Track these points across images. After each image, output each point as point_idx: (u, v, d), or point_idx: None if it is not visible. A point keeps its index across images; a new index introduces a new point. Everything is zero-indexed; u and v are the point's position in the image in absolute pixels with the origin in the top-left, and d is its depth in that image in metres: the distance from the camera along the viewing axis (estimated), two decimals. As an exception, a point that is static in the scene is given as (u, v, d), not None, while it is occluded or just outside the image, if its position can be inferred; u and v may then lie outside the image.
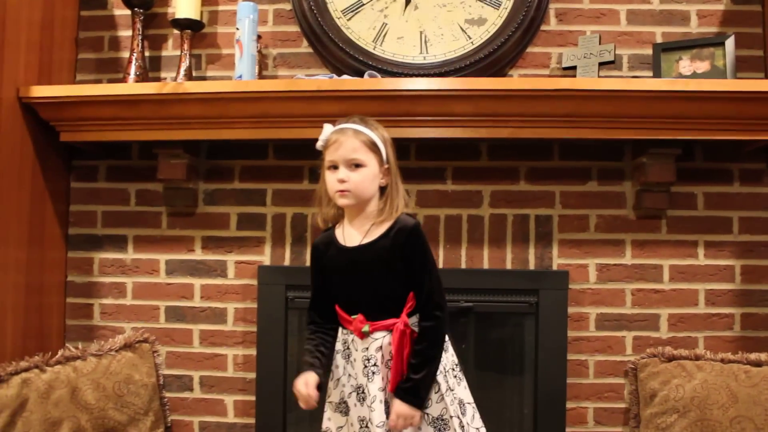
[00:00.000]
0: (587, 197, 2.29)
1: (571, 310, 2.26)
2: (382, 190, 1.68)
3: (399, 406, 1.58)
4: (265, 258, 2.32)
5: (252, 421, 2.29)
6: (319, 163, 1.68)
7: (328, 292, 1.71)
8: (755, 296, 2.26)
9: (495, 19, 2.26)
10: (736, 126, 2.06)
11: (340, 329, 1.71)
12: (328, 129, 1.66)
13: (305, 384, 1.61)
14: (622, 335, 2.27)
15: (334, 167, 1.63)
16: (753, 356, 2.06)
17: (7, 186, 2.06)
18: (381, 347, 1.61)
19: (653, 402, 2.12)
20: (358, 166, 1.61)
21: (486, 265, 2.28)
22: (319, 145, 1.67)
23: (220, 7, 2.39)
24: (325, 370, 1.67)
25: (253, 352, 2.30)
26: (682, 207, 2.28)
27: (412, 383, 1.59)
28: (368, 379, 1.60)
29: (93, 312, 2.37)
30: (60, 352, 2.11)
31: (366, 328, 1.62)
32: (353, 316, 1.64)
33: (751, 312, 2.26)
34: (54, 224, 2.31)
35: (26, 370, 1.97)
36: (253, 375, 2.30)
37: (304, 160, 2.32)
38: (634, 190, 2.27)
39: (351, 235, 1.68)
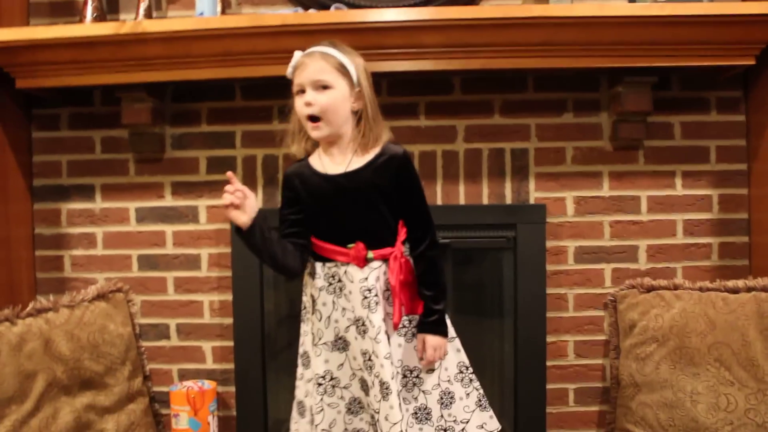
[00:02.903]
0: (563, 129, 2.25)
1: (549, 243, 2.23)
2: (359, 118, 1.62)
3: (432, 339, 1.62)
4: (237, 202, 2.27)
5: (231, 366, 2.28)
6: (290, 102, 1.62)
7: (301, 223, 1.66)
8: (732, 225, 2.26)
9: (465, -54, 2.16)
10: (712, 52, 2.02)
11: (321, 264, 1.64)
12: (297, 55, 1.61)
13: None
14: (600, 268, 2.27)
15: (302, 91, 1.58)
16: (731, 283, 2.05)
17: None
18: (378, 277, 1.59)
19: (633, 332, 2.12)
20: (325, 87, 1.56)
21: (462, 201, 2.25)
22: (288, 72, 1.62)
23: (180, -58, 2.27)
24: (261, 234, 1.55)
25: (229, 297, 2.26)
26: (659, 137, 2.25)
27: (438, 315, 1.63)
28: (370, 310, 1.56)
29: (63, 264, 2.32)
30: (31, 305, 2.05)
31: (371, 255, 1.58)
32: (349, 246, 1.59)
33: (728, 241, 2.26)
34: (17, 176, 2.24)
35: (-4, 323, 1.92)
36: (230, 320, 2.27)
37: (272, 99, 2.24)
38: (611, 120, 2.23)
39: (332, 163, 1.63)
